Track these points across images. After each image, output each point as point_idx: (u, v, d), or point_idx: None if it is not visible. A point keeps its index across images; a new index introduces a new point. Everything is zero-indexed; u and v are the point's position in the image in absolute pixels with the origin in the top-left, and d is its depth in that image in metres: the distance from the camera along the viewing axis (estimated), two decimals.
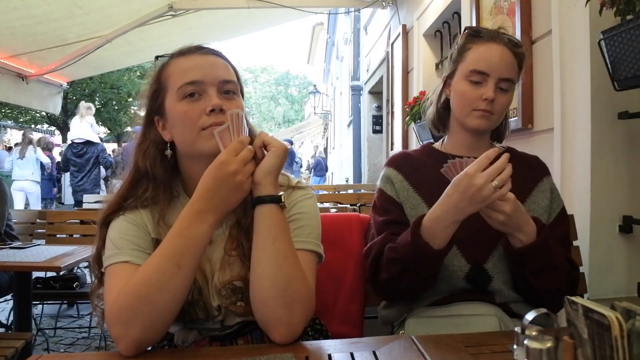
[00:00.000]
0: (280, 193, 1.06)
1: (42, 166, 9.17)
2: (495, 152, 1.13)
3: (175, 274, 0.97)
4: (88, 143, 7.05)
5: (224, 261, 1.12)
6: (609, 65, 1.52)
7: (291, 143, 15.33)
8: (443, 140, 1.50)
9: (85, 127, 7.06)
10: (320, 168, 16.83)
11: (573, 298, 0.73)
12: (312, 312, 1.06)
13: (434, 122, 1.50)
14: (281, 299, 1.01)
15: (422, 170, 1.41)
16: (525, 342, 0.69)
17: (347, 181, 10.37)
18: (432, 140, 1.56)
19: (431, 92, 1.56)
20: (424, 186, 1.38)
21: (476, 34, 1.37)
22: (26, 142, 8.74)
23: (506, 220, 1.15)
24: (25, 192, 8.62)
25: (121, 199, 1.13)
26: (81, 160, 7.04)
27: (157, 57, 1.19)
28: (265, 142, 1.06)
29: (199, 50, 1.15)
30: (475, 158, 1.17)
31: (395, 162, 1.45)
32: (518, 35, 2.35)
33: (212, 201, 0.99)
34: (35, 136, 10.05)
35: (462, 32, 1.43)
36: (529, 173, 1.41)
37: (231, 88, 1.12)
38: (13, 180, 8.45)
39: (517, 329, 0.72)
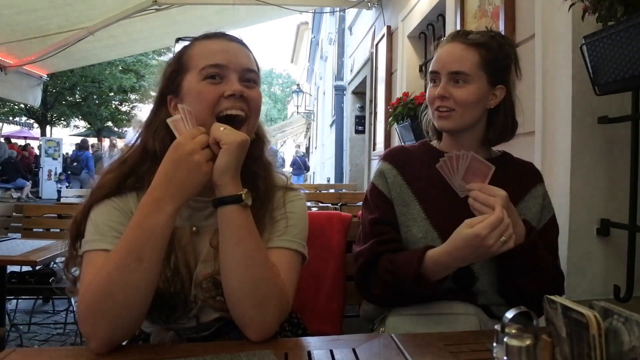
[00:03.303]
0: (242, 191, 1.01)
1: None
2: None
3: (136, 269, 0.93)
4: None
5: (208, 254, 1.10)
6: (590, 70, 1.53)
7: None
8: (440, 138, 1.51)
9: None
10: (297, 167, 16.79)
11: (552, 297, 0.74)
12: (286, 311, 1.05)
13: (431, 128, 1.50)
14: (251, 300, 0.99)
15: (418, 166, 1.41)
16: (505, 339, 0.70)
17: (328, 181, 10.37)
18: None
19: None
20: (417, 183, 1.38)
21: (439, 42, 1.42)
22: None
23: None
24: None
25: (124, 177, 1.10)
26: None
27: (178, 39, 1.17)
28: (216, 139, 1.00)
29: (224, 36, 1.14)
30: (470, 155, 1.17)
31: (391, 157, 1.45)
32: None
33: (170, 186, 0.96)
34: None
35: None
36: (523, 179, 1.41)
37: (252, 77, 1.12)
38: None
39: (497, 327, 0.72)
